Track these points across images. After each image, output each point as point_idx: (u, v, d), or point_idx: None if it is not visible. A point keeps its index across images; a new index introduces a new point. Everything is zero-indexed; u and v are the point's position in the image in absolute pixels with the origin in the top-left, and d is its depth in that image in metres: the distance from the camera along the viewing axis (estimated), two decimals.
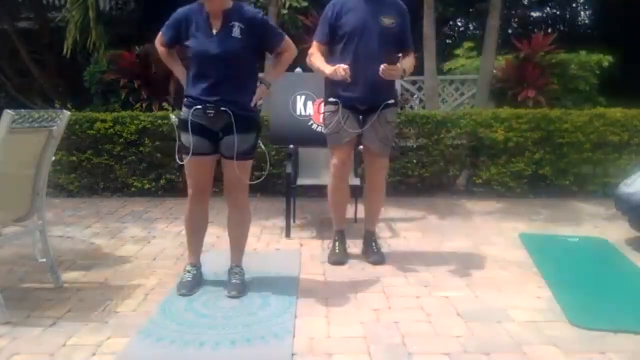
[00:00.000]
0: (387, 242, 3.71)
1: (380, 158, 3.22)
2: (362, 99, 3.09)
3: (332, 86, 3.13)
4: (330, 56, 3.13)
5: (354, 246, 3.49)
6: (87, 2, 6.74)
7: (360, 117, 3.14)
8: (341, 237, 3.39)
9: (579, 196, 5.27)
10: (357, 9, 3.05)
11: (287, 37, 2.78)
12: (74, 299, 2.68)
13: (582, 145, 5.28)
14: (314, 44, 3.19)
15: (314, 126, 4.11)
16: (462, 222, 4.35)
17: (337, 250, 3.33)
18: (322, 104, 3.27)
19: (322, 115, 3.28)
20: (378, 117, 3.09)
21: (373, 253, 3.31)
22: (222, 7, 2.60)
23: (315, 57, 3.14)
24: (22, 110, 2.46)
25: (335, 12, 3.08)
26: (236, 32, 2.60)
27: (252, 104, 2.71)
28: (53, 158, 2.83)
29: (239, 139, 2.64)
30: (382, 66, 2.89)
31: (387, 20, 3.05)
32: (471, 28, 13.61)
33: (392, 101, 3.16)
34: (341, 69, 2.90)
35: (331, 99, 3.15)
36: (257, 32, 2.65)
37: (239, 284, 2.79)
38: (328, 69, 2.99)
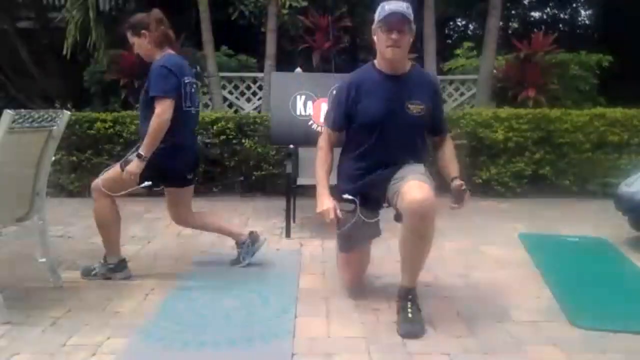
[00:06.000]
0: (387, 243, 3.70)
1: (412, 181, 2.31)
2: (378, 182, 2.52)
3: (346, 179, 2.62)
4: (345, 145, 2.65)
5: None
6: (87, 2, 6.74)
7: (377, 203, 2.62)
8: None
9: (579, 196, 5.28)
10: (377, 92, 2.49)
11: (159, 97, 2.68)
12: (74, 299, 2.68)
13: (582, 145, 5.28)
14: (325, 131, 2.65)
15: (314, 126, 4.11)
16: (462, 222, 4.34)
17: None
18: (337, 201, 2.53)
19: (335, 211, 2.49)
20: (395, 175, 2.48)
21: (407, 319, 2.36)
22: (147, 59, 2.93)
23: (322, 160, 2.58)
24: (22, 110, 2.45)
25: (352, 96, 2.51)
26: (147, 80, 2.84)
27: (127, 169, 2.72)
28: (53, 158, 2.83)
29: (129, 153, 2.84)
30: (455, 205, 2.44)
31: (415, 108, 2.47)
32: (471, 28, 13.62)
33: (411, 161, 2.52)
34: (330, 216, 2.43)
35: (347, 196, 2.54)
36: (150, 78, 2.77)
37: (88, 269, 2.98)
38: (322, 199, 2.48)
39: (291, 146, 4.11)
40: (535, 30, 7.73)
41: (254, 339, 2.25)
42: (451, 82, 7.70)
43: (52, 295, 2.72)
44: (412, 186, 2.28)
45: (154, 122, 2.66)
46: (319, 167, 2.58)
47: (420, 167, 2.47)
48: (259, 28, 7.44)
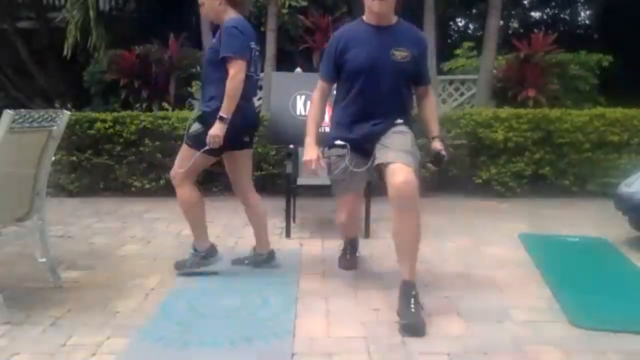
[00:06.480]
0: (387, 242, 3.70)
1: (395, 164, 2.44)
2: (368, 137, 2.65)
3: (337, 127, 2.77)
4: (336, 95, 2.82)
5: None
6: (87, 2, 6.75)
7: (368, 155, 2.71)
8: (354, 242, 3.18)
9: (579, 196, 5.28)
10: (365, 42, 2.62)
11: (232, 57, 2.69)
12: (74, 299, 2.68)
13: (582, 145, 5.28)
14: (318, 83, 2.80)
15: (320, 162, 4.09)
16: (462, 222, 4.35)
17: (348, 257, 3.12)
18: (326, 147, 2.79)
19: (326, 160, 2.76)
20: (384, 135, 2.62)
21: (410, 314, 2.37)
22: (217, 21, 2.87)
23: (312, 113, 2.77)
24: (22, 110, 2.45)
25: (340, 47, 2.65)
26: (215, 40, 2.82)
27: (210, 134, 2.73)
28: (53, 158, 2.83)
29: (191, 124, 2.92)
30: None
31: (400, 54, 2.59)
32: (471, 28, 13.64)
33: (399, 121, 2.66)
34: (312, 166, 2.62)
35: (338, 142, 2.71)
36: (221, 38, 2.76)
37: (181, 262, 3.08)
38: (308, 149, 2.67)
39: (291, 146, 4.11)
40: (535, 30, 7.73)
41: (254, 339, 2.25)
42: (451, 82, 7.71)
43: (52, 295, 2.72)
44: (396, 169, 2.42)
45: (230, 84, 2.69)
46: (310, 118, 2.77)
47: (407, 140, 2.59)
48: (259, 28, 7.43)
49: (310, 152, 2.67)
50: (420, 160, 2.61)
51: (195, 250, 3.03)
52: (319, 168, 2.64)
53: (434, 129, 2.73)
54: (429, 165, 2.68)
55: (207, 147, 2.77)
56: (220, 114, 2.71)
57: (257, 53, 2.93)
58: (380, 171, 2.56)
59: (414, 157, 2.52)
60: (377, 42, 2.60)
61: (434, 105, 2.83)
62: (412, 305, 2.40)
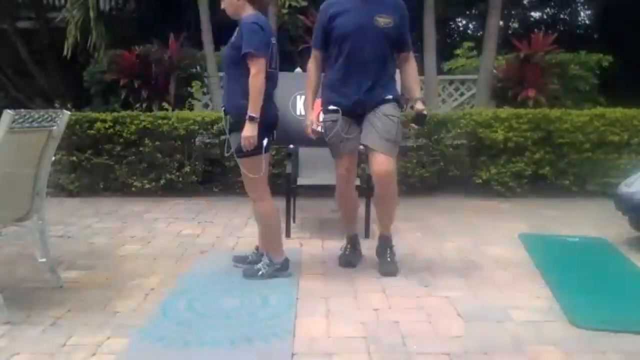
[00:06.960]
0: None
1: (380, 154, 2.88)
2: (359, 103, 2.94)
3: (329, 92, 3.03)
4: (326, 61, 3.05)
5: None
6: (87, 2, 6.75)
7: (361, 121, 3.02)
8: (354, 241, 3.33)
9: (579, 196, 5.28)
10: (351, 10, 2.89)
11: (253, 54, 2.65)
12: (74, 299, 2.68)
13: (582, 145, 5.28)
14: (312, 51, 3.09)
15: (314, 126, 4.10)
16: (462, 222, 4.35)
17: (347, 252, 3.28)
18: (321, 112, 3.09)
19: (322, 124, 3.06)
20: (374, 112, 2.92)
21: (386, 262, 3.10)
22: (235, 17, 2.83)
23: (309, 82, 3.09)
24: (22, 110, 2.45)
25: (329, 15, 2.92)
26: (234, 37, 2.78)
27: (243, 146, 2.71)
28: (53, 158, 2.83)
29: (230, 139, 2.85)
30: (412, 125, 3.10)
31: (383, 21, 2.87)
32: (471, 28, 13.64)
33: (390, 97, 2.96)
34: (308, 130, 3.02)
35: (331, 107, 3.00)
36: (242, 34, 2.73)
37: (252, 270, 3.00)
38: (308, 116, 3.07)
39: (291, 146, 4.11)
40: (535, 30, 7.73)
41: (254, 339, 2.25)
42: (451, 82, 7.72)
43: (52, 295, 2.72)
44: (380, 160, 2.88)
45: (252, 83, 2.67)
46: (307, 86, 3.12)
47: (393, 127, 2.90)
48: None
49: (309, 117, 3.05)
50: (401, 141, 3.04)
51: (270, 260, 2.99)
52: (316, 130, 3.00)
53: (416, 91, 3.04)
54: (412, 125, 3.07)
55: (264, 145, 2.78)
56: (249, 114, 2.68)
57: (275, 49, 2.90)
58: (365, 146, 2.97)
59: (396, 144, 2.95)
60: (362, 9, 2.88)
61: (415, 70, 3.11)
62: (388, 256, 3.10)
